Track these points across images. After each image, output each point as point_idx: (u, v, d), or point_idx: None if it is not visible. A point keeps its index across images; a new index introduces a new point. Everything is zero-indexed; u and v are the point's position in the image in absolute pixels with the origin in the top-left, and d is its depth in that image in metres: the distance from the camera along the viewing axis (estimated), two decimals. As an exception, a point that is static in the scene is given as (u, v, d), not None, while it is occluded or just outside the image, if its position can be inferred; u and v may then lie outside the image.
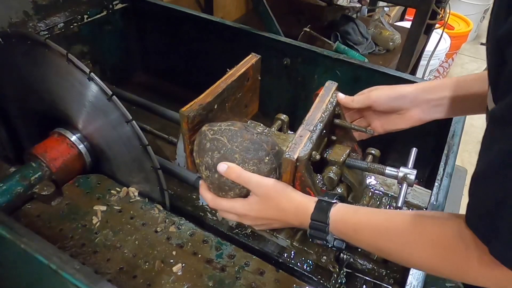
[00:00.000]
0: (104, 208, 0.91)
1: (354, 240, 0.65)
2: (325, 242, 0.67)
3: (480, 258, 0.47)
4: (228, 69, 0.87)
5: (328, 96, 0.81)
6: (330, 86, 0.84)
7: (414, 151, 0.82)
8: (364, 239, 0.63)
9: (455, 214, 0.54)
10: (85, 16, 1.36)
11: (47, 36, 1.22)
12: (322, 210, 0.66)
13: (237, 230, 0.94)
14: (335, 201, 0.67)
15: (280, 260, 0.88)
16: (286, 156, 0.68)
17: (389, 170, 0.77)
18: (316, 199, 0.68)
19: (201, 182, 0.77)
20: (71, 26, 1.32)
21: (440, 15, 1.84)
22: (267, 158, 0.72)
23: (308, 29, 1.81)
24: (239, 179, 0.69)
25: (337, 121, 0.83)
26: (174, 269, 0.79)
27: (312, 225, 0.66)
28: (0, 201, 0.85)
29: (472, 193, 0.46)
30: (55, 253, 0.63)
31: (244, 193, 0.72)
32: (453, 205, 1.26)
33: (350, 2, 2.55)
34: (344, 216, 0.64)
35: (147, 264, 0.81)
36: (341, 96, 0.81)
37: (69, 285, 0.61)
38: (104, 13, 1.43)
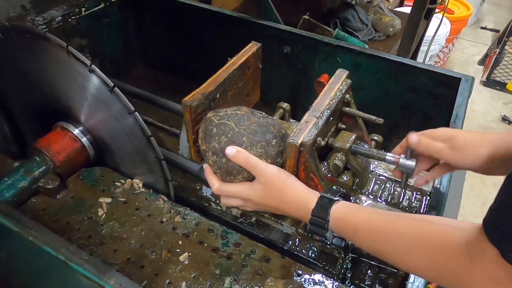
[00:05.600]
0: (109, 200, 0.91)
1: (353, 240, 0.64)
2: (323, 239, 0.67)
3: (485, 271, 0.44)
4: (229, 58, 0.87)
5: (337, 83, 0.80)
6: (341, 74, 0.83)
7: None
8: (363, 240, 0.62)
9: (465, 222, 0.51)
10: (83, 9, 1.35)
11: (45, 30, 1.22)
12: (323, 206, 0.65)
13: (241, 219, 0.95)
14: (337, 198, 0.67)
15: (285, 248, 0.89)
16: (290, 140, 0.68)
17: (389, 156, 0.78)
18: (318, 194, 0.68)
19: (205, 166, 0.77)
20: (69, 20, 1.31)
21: (440, -1, 1.82)
22: (274, 140, 0.72)
23: (307, 17, 1.80)
24: (247, 164, 0.69)
25: (346, 109, 0.82)
26: (181, 258, 0.80)
27: (312, 220, 0.66)
28: (6, 195, 0.86)
29: (499, 196, 0.43)
30: (63, 245, 0.64)
31: (252, 176, 0.72)
32: (455, 189, 1.26)
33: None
34: (345, 214, 0.64)
35: (154, 254, 0.81)
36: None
37: (78, 276, 0.61)
38: (102, 5, 1.42)
